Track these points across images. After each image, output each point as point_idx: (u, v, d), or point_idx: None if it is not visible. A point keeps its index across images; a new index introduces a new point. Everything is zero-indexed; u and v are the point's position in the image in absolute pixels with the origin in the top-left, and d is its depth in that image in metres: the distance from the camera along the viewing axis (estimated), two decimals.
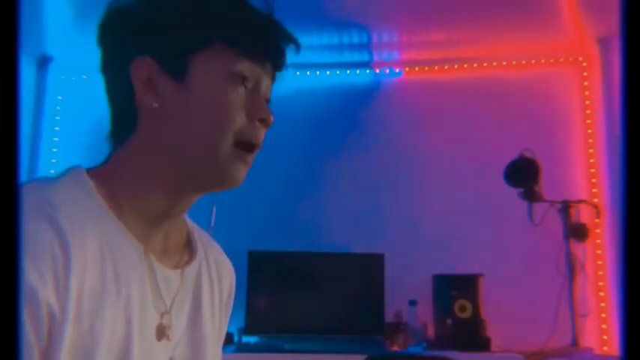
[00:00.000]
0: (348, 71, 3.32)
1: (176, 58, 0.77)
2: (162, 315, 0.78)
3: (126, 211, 0.77)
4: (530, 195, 2.79)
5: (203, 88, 0.77)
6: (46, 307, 0.64)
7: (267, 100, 0.83)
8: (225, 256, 0.96)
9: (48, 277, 0.65)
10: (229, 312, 0.95)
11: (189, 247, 0.88)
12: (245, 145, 0.78)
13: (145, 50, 0.77)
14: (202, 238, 0.91)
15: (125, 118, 0.79)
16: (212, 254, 0.91)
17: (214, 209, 0.83)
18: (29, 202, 0.67)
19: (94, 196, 0.75)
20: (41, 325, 0.64)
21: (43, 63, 3.28)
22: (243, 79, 0.78)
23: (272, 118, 0.80)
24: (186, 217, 0.90)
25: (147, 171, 0.78)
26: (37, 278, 0.63)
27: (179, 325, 0.81)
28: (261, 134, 0.80)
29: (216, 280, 0.90)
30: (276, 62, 0.82)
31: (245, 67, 0.78)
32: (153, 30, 0.78)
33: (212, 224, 0.87)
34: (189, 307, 0.84)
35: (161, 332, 0.77)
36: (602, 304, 2.88)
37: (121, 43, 0.80)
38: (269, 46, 0.80)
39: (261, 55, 0.80)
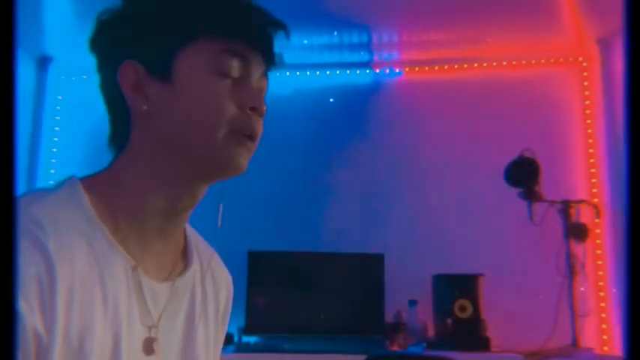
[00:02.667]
0: (348, 71, 3.32)
1: (160, 58, 0.76)
2: (149, 329, 0.77)
3: (122, 223, 0.76)
4: (530, 195, 2.79)
5: (189, 85, 0.76)
6: (33, 331, 0.64)
7: (262, 90, 0.82)
8: (223, 265, 0.95)
9: (34, 301, 0.64)
10: (227, 323, 0.93)
11: (184, 254, 0.86)
12: (241, 135, 0.77)
13: (131, 55, 0.77)
14: (199, 247, 0.90)
15: (120, 123, 0.79)
16: (208, 264, 0.90)
17: (221, 208, 0.81)
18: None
19: (87, 212, 0.74)
20: (28, 350, 0.64)
21: (43, 63, 3.28)
22: (230, 71, 0.77)
23: (264, 107, 0.79)
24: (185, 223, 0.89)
25: (146, 173, 0.78)
26: (23, 303, 0.63)
27: (170, 338, 0.80)
28: (257, 123, 0.78)
29: (211, 291, 0.89)
30: (263, 50, 0.81)
31: (230, 58, 0.77)
32: (135, 34, 0.78)
33: (219, 224, 0.85)
34: (182, 320, 0.83)
35: (148, 346, 0.77)
36: (602, 304, 2.88)
37: (108, 51, 0.80)
38: (252, 34, 0.79)
39: (245, 44, 0.78)
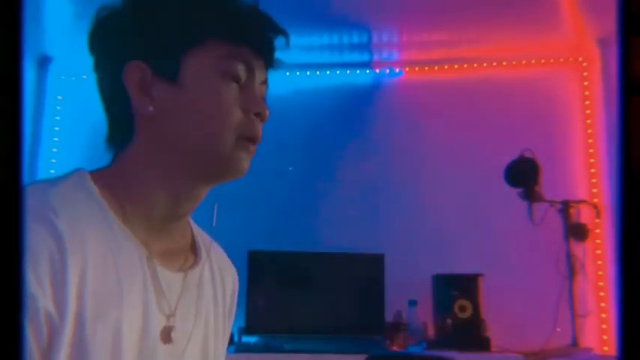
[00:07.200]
0: (348, 71, 3.32)
1: (167, 60, 0.77)
2: (167, 317, 0.78)
3: (130, 215, 0.77)
4: (530, 195, 2.79)
5: (196, 88, 0.77)
6: (45, 313, 0.65)
7: (263, 95, 0.83)
8: (229, 261, 0.96)
9: (46, 284, 0.65)
10: (232, 317, 0.94)
11: (193, 250, 0.88)
12: (245, 139, 0.79)
13: (137, 55, 0.77)
14: (206, 242, 0.91)
15: (123, 123, 0.79)
16: (215, 259, 0.91)
17: (216, 208, 0.82)
18: (29, 206, 0.67)
19: (97, 200, 0.75)
20: (41, 332, 0.64)
21: (43, 63, 3.28)
22: (235, 76, 0.78)
23: (267, 113, 0.80)
24: (190, 220, 0.90)
25: (150, 173, 0.78)
26: (35, 285, 0.64)
27: (184, 328, 0.81)
28: (259, 128, 0.80)
29: (219, 285, 0.90)
30: (266, 56, 0.82)
31: (236, 63, 0.78)
32: (142, 34, 0.78)
33: (214, 223, 0.86)
34: (195, 311, 0.83)
35: (166, 335, 0.77)
36: (602, 304, 2.88)
37: (112, 50, 0.80)
38: (258, 41, 0.80)
39: (250, 50, 0.79)
